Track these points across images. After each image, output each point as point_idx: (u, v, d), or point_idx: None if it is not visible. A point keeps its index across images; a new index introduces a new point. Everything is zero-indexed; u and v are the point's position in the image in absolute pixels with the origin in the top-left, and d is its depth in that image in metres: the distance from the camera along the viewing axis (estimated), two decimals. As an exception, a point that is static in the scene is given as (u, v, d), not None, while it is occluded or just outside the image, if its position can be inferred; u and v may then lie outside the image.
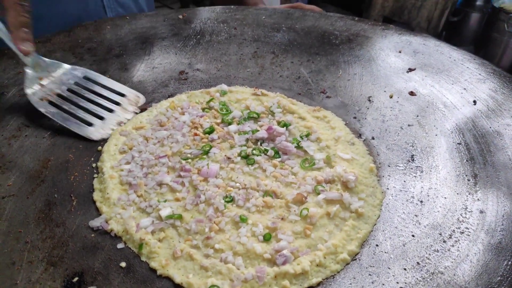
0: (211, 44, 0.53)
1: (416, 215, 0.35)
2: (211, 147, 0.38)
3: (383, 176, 0.39)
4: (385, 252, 0.32)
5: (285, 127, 0.39)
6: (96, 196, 0.34)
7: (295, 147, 0.38)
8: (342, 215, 0.33)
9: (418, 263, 0.31)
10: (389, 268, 0.31)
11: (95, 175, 0.36)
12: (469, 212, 0.35)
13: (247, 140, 0.39)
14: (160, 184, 0.35)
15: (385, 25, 0.64)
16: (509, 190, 0.37)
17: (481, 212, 0.35)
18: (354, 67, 0.56)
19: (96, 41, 0.58)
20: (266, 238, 0.31)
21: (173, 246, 0.30)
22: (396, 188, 0.38)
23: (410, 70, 0.56)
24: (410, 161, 0.41)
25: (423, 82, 0.52)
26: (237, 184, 0.35)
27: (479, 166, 0.39)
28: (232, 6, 0.59)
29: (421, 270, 0.30)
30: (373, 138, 0.43)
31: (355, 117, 0.46)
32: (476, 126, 0.45)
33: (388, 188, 0.38)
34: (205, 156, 0.37)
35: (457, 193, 0.37)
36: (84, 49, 0.56)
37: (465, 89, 0.50)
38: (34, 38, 0.42)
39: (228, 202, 0.33)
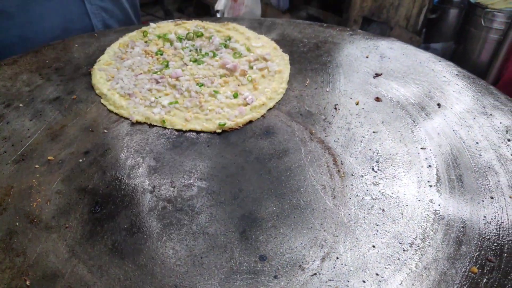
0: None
1: (377, 225, 0.54)
2: (168, 62, 0.89)
3: (346, 186, 0.60)
4: (345, 265, 0.49)
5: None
6: (111, 107, 0.77)
7: (224, 46, 0.93)
8: (271, 74, 0.86)
9: (377, 274, 0.48)
10: (348, 281, 0.48)
11: (101, 100, 0.79)
12: (430, 219, 0.55)
13: (190, 51, 0.93)
14: (150, 89, 0.81)
15: (353, 31, 1.05)
16: (470, 195, 0.58)
17: (442, 219, 0.55)
18: (322, 74, 0.87)
19: (63, 60, 0.92)
20: (235, 96, 0.80)
21: (182, 116, 0.74)
22: (359, 197, 0.58)
23: (377, 75, 0.84)
24: (374, 169, 0.62)
25: (389, 87, 0.82)
26: (200, 76, 0.85)
27: (441, 172, 0.61)
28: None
29: (380, 281, 0.47)
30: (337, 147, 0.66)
31: (321, 126, 0.71)
32: (439, 130, 0.70)
33: (350, 198, 0.58)
34: (167, 67, 0.87)
35: (419, 200, 0.58)
36: (52, 69, 0.89)
37: (430, 92, 0.80)
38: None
39: (201, 86, 0.81)
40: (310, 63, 0.90)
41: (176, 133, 0.71)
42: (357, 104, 0.76)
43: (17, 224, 0.54)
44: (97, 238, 0.52)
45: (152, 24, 1.01)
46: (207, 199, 0.58)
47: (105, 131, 0.71)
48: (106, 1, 1.08)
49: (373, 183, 0.59)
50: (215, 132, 0.71)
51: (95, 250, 0.50)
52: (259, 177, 0.61)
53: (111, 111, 0.76)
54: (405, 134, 0.69)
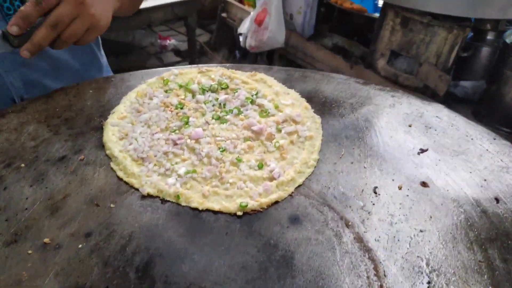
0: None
1: None
2: (188, 117, 0.80)
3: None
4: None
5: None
6: (121, 174, 0.69)
7: (250, 102, 0.84)
8: (301, 140, 0.76)
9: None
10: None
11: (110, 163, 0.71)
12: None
13: (213, 106, 0.84)
14: (166, 153, 0.73)
15: (394, 91, 0.93)
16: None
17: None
18: (358, 145, 0.75)
19: (75, 109, 0.84)
20: (260, 167, 0.70)
21: (200, 190, 0.66)
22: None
23: (422, 151, 0.73)
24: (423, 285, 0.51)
25: (437, 168, 0.70)
26: (222, 138, 0.75)
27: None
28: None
29: None
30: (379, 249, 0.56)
31: (360, 217, 0.60)
32: (502, 235, 0.58)
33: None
34: (187, 125, 0.78)
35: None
36: (61, 119, 0.81)
37: (485, 180, 0.67)
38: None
39: (222, 151, 0.72)
40: (345, 128, 0.79)
41: (192, 212, 0.62)
42: (400, 188, 0.66)
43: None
44: None
45: (174, 71, 0.93)
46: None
47: (112, 205, 0.62)
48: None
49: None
50: (235, 214, 0.62)
51: None
52: (284, 284, 0.51)
53: (120, 179, 0.67)
54: (458, 237, 0.58)
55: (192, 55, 3.71)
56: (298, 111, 0.81)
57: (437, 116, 0.83)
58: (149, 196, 0.64)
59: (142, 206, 0.62)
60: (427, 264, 0.54)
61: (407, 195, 0.65)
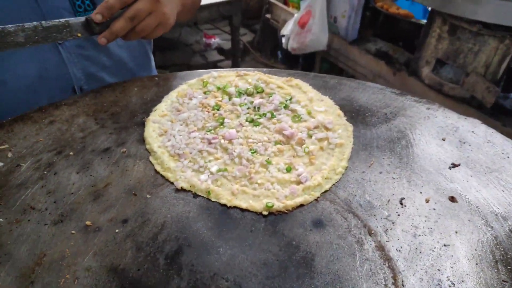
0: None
1: None
2: (223, 118, 0.84)
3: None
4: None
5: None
6: (158, 168, 0.74)
7: (284, 107, 0.86)
8: (331, 147, 0.77)
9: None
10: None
11: (149, 157, 0.76)
12: None
13: (248, 108, 0.87)
14: (200, 151, 0.77)
15: (430, 103, 0.91)
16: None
17: None
18: (388, 155, 0.76)
19: (120, 105, 0.90)
20: (288, 170, 0.73)
21: (229, 188, 0.69)
22: None
23: (454, 165, 0.71)
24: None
25: (468, 184, 0.69)
26: (254, 140, 0.79)
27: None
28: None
29: None
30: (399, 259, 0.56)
31: (383, 226, 0.61)
32: None
33: None
34: (222, 126, 0.83)
35: None
36: (108, 114, 0.87)
37: None
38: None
39: (253, 153, 0.76)
40: (377, 138, 0.80)
41: (220, 208, 0.65)
42: (427, 201, 0.65)
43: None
44: None
45: (213, 73, 0.97)
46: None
47: (148, 196, 0.67)
48: (89, 48, 1.01)
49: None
50: (261, 213, 0.64)
51: None
52: (302, 284, 0.53)
53: (157, 172, 0.72)
54: (483, 254, 0.57)
55: (235, 54, 3.80)
56: (330, 118, 0.83)
57: (472, 131, 0.81)
58: (183, 190, 0.68)
59: (176, 199, 0.67)
60: (448, 279, 0.54)
61: (434, 209, 0.64)
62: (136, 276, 0.54)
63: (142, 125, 0.83)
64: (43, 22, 0.75)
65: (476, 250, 0.58)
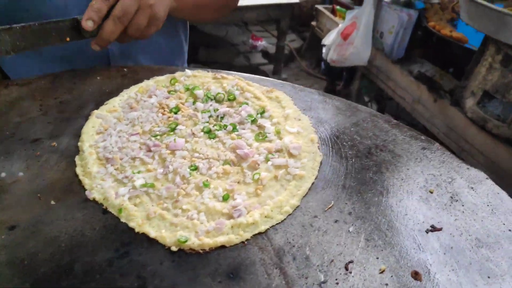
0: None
1: None
2: (177, 124, 0.72)
3: None
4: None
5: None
6: (78, 170, 0.64)
7: (252, 121, 0.72)
8: (288, 178, 0.62)
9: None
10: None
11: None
12: None
13: (210, 117, 0.74)
14: (134, 158, 0.66)
15: (428, 141, 0.72)
16: None
17: None
18: (355, 200, 0.60)
19: (75, 93, 0.81)
20: (225, 198, 0.59)
21: (147, 209, 0.58)
22: None
23: (433, 229, 0.56)
24: None
25: (443, 258, 0.52)
26: (201, 155, 0.66)
27: None
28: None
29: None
30: None
31: None
32: None
33: None
34: (172, 133, 0.71)
35: None
36: (57, 101, 0.78)
37: None
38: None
39: (193, 170, 0.64)
40: (349, 176, 0.64)
41: (128, 232, 0.53)
42: (381, 272, 0.50)
43: None
44: None
45: (187, 71, 0.86)
46: None
47: (53, 202, 0.57)
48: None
49: None
50: (169, 248, 0.52)
51: None
52: None
53: (77, 175, 0.62)
54: None
55: (278, 59, 3.68)
56: (299, 143, 0.68)
57: (472, 188, 0.63)
58: (94, 201, 0.58)
59: (81, 212, 0.56)
60: None
61: (386, 284, 0.48)
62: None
63: (88, 118, 0.74)
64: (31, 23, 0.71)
65: None
